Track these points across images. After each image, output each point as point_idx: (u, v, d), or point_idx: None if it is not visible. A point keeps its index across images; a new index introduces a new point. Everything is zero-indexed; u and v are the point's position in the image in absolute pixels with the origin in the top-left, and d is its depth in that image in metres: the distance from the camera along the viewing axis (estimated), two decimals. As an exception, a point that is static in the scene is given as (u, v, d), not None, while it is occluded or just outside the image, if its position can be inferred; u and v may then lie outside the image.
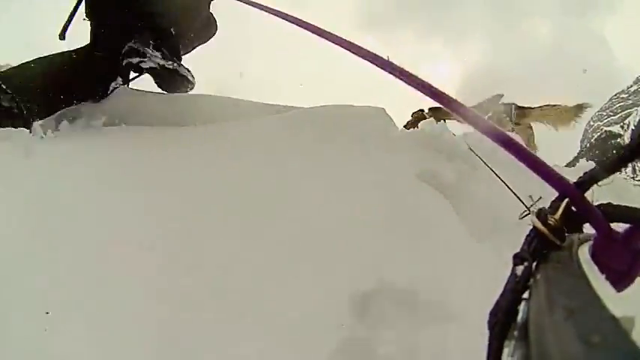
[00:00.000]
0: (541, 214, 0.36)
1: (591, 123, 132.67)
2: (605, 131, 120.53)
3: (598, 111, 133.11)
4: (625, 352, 0.21)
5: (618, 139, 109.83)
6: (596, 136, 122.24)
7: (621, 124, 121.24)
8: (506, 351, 0.31)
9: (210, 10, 2.31)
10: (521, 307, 0.33)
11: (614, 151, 0.37)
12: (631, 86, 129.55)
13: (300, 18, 0.96)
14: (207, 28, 2.35)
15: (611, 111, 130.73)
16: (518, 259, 0.35)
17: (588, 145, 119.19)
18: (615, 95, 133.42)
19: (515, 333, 0.32)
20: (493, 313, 0.33)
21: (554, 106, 3.79)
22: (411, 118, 4.09)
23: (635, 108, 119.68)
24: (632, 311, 0.27)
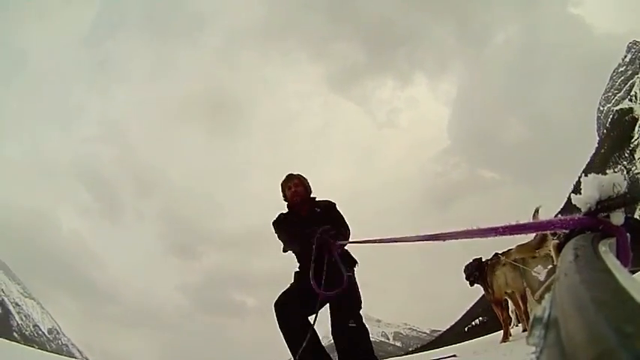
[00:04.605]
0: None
1: (600, 108, 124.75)
2: (616, 111, 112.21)
3: (603, 93, 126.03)
4: None
5: (631, 114, 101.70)
6: (609, 120, 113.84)
7: (629, 97, 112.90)
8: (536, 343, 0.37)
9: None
10: (548, 303, 0.37)
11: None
12: (625, 56, 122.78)
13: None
14: None
15: (615, 89, 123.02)
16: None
17: (605, 131, 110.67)
18: (613, 71, 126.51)
19: (542, 332, 0.36)
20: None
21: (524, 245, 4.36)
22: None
23: (637, 77, 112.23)
24: None
